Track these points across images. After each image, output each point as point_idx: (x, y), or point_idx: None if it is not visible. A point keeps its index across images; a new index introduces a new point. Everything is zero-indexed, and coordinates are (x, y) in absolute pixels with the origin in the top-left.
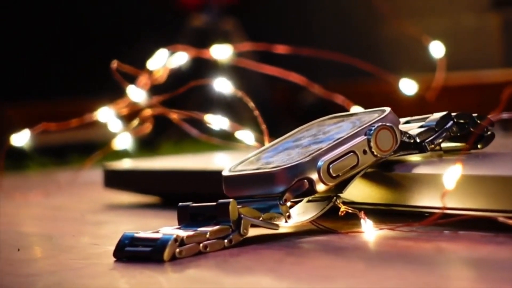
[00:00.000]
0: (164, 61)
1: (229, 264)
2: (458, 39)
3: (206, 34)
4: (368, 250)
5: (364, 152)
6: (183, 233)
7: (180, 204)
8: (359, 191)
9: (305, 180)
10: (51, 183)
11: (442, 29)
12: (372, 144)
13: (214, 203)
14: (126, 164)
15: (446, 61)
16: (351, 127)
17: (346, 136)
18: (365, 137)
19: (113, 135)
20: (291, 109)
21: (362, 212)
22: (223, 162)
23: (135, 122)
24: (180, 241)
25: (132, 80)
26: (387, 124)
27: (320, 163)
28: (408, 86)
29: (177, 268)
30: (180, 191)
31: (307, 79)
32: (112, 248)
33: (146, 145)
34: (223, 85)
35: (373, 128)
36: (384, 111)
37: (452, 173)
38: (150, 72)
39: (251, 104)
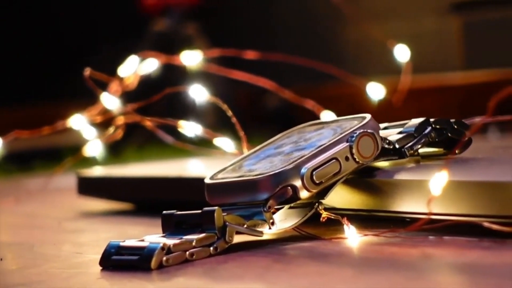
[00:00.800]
0: (135, 67)
1: (217, 272)
2: (420, 42)
3: (168, 38)
4: (354, 256)
5: (347, 158)
6: (170, 242)
7: (164, 212)
8: (340, 197)
9: (289, 187)
10: (21, 190)
11: (404, 32)
12: (354, 150)
13: (199, 211)
14: (98, 171)
15: (410, 64)
16: (332, 134)
17: (328, 143)
18: (347, 144)
19: (83, 142)
20: (256, 113)
21: (345, 218)
22: (197, 168)
23: (109, 129)
24: (167, 250)
25: (104, 86)
26: (369, 130)
27: (303, 170)
28: (375, 90)
29: (165, 277)
30: (154, 198)
31: (276, 83)
32: (96, 256)
33: (110, 151)
34: (198, 92)
35: (354, 135)
36: (364, 117)
37: (438, 179)
38: (121, 79)
39: (229, 112)
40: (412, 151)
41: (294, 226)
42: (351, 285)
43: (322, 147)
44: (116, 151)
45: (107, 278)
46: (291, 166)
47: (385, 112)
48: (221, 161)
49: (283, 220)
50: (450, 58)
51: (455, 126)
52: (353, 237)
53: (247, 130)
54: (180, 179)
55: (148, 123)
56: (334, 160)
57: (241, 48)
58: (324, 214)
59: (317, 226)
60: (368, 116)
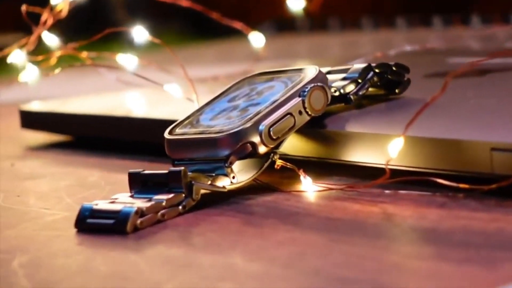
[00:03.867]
0: None
1: (193, 237)
2: None
3: None
4: (320, 217)
5: (300, 113)
6: (142, 205)
7: (131, 171)
8: (292, 145)
9: (248, 144)
10: None
11: None
12: (306, 105)
13: (166, 171)
14: (41, 105)
15: None
16: (283, 88)
17: (282, 99)
18: (300, 98)
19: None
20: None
21: (301, 170)
22: (134, 106)
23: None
24: (140, 213)
25: (37, 19)
26: (319, 84)
27: (261, 127)
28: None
29: (145, 245)
30: (94, 133)
31: None
32: (65, 214)
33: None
34: (140, 32)
35: (306, 89)
36: (314, 70)
37: (396, 143)
38: (52, 8)
39: (174, 54)
40: (356, 97)
41: (253, 178)
42: (328, 259)
43: (276, 103)
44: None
45: (88, 245)
46: (249, 124)
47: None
48: (152, 96)
49: (241, 171)
50: None
51: (394, 69)
52: (310, 189)
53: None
54: (116, 117)
55: (86, 59)
56: (288, 116)
57: None
58: (279, 162)
59: (271, 174)
60: (316, 69)
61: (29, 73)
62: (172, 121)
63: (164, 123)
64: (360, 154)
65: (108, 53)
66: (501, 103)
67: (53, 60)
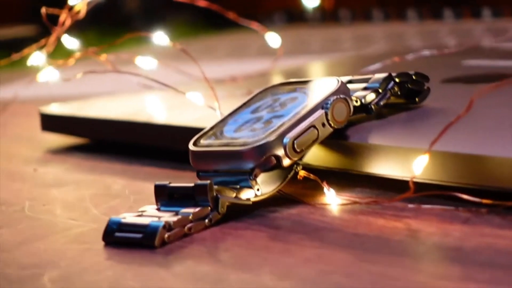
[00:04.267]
0: None
1: (222, 254)
2: None
3: None
4: (346, 232)
5: (323, 125)
6: (170, 219)
7: (157, 183)
8: (315, 155)
9: (273, 157)
10: None
11: None
12: (329, 117)
13: (192, 184)
14: (61, 108)
15: None
16: (306, 100)
17: (305, 112)
18: (323, 111)
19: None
20: None
21: (325, 181)
22: (154, 111)
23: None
24: (168, 227)
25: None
26: (341, 96)
27: (285, 140)
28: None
29: (174, 260)
30: (116, 138)
31: None
32: (93, 225)
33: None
34: (161, 38)
35: (329, 101)
36: (336, 82)
37: (421, 161)
38: (70, 9)
39: (196, 61)
40: (377, 107)
41: (277, 190)
42: (355, 278)
43: (299, 115)
44: None
45: (117, 260)
46: (274, 137)
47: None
48: (172, 100)
49: (264, 182)
50: None
51: (414, 78)
52: (334, 202)
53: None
54: (137, 123)
55: (108, 63)
56: (312, 128)
57: None
58: (302, 173)
59: (294, 184)
60: (339, 81)
61: (48, 74)
62: (192, 128)
63: (184, 130)
64: (382, 167)
65: (127, 54)
66: None
67: (72, 62)
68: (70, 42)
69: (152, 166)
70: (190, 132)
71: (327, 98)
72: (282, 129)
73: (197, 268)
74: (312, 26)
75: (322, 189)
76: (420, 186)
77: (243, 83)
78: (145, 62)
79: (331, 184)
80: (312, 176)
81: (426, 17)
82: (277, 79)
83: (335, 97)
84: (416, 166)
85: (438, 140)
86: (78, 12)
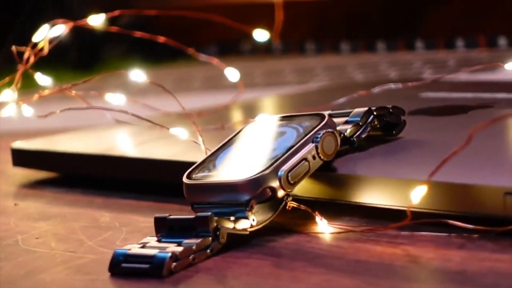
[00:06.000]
0: (45, 34)
1: (231, 281)
2: None
3: None
4: (348, 259)
5: (314, 158)
6: (175, 249)
7: (157, 216)
8: (303, 186)
9: (268, 189)
10: None
11: None
12: (319, 150)
13: (193, 216)
14: (32, 143)
15: None
16: (296, 134)
17: (297, 146)
18: (313, 144)
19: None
20: None
21: (316, 211)
22: (123, 145)
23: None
24: (174, 257)
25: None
26: (329, 130)
27: (280, 173)
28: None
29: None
30: (91, 173)
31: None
32: (93, 257)
33: None
34: (138, 75)
35: (319, 135)
36: (323, 117)
37: (419, 190)
38: (34, 46)
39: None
40: (359, 139)
41: (270, 220)
42: None
43: (292, 149)
44: None
45: None
46: (269, 170)
47: None
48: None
49: (256, 213)
50: None
51: (391, 111)
52: (328, 231)
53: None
54: (108, 156)
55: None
56: (304, 161)
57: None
58: (292, 204)
59: (282, 214)
60: (326, 115)
61: (11, 110)
62: (168, 161)
63: (161, 164)
64: (370, 196)
65: (97, 92)
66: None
67: (36, 98)
68: (42, 79)
69: (132, 199)
70: (166, 165)
71: (316, 132)
72: (277, 163)
73: None
74: (247, 58)
75: (311, 218)
76: (413, 214)
77: (209, 117)
78: (115, 98)
79: (319, 214)
80: (303, 206)
81: (359, 49)
82: (240, 113)
83: (324, 131)
84: (414, 196)
85: (427, 168)
86: (42, 49)
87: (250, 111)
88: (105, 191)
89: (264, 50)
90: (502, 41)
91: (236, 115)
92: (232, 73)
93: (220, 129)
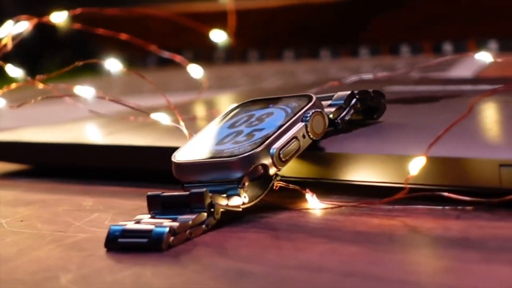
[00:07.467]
0: (9, 30)
1: (231, 252)
2: None
3: None
4: (347, 231)
5: (304, 136)
6: (173, 224)
7: (149, 193)
8: (289, 167)
9: (260, 166)
10: None
11: None
12: (309, 129)
13: (187, 193)
14: (4, 135)
15: None
16: (284, 114)
17: (287, 124)
18: (303, 123)
19: None
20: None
21: (307, 189)
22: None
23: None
24: (172, 231)
25: None
26: (318, 110)
27: (272, 150)
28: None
29: (188, 259)
30: (62, 162)
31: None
32: (85, 235)
33: None
34: (114, 64)
35: (308, 114)
36: (311, 98)
37: (417, 161)
38: None
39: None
40: (342, 122)
41: (261, 198)
42: (380, 265)
43: (282, 128)
44: None
45: (130, 263)
46: (261, 148)
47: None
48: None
49: (246, 192)
50: None
51: (372, 95)
52: (318, 207)
53: None
54: (77, 145)
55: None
56: (294, 139)
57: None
58: (280, 184)
59: (270, 194)
60: (313, 96)
61: None
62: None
63: (135, 150)
64: (359, 174)
65: (66, 84)
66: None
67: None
68: (14, 71)
69: (113, 186)
70: (144, 151)
71: (306, 111)
72: (268, 140)
73: (214, 265)
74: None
75: (300, 197)
76: (401, 190)
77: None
78: (84, 91)
79: (310, 191)
80: (291, 185)
81: (303, 56)
82: (207, 107)
83: (313, 110)
84: (412, 168)
85: (423, 143)
86: (5, 45)
87: (217, 105)
88: (84, 180)
89: (207, 57)
90: (447, 47)
91: (203, 109)
92: (195, 70)
93: (193, 119)
